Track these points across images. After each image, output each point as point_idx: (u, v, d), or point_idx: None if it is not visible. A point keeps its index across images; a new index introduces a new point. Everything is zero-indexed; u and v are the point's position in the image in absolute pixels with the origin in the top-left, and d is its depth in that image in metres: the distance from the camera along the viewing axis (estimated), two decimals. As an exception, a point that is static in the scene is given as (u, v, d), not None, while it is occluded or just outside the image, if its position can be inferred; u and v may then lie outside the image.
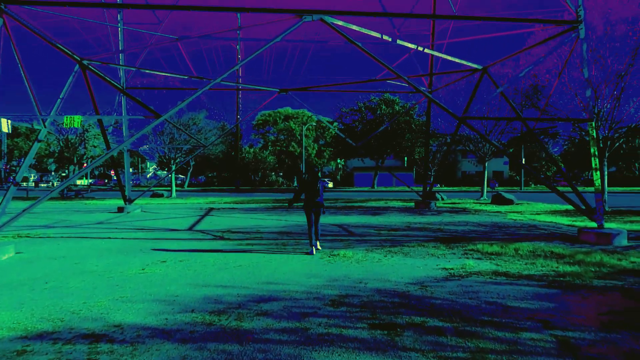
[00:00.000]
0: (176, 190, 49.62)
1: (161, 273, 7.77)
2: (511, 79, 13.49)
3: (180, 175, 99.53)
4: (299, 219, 16.91)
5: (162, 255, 9.46)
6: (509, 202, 24.81)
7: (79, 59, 14.50)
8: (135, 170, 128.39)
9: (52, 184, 51.60)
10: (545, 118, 16.52)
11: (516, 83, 22.14)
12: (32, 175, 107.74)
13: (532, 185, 67.64)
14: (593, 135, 11.31)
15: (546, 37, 14.40)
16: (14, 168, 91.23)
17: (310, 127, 71.21)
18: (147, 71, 15.66)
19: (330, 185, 67.14)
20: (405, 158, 66.62)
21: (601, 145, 18.62)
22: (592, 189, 45.04)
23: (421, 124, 46.61)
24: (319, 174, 10.01)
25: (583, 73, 11.94)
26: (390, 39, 12.53)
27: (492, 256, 9.18)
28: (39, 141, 12.25)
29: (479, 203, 26.04)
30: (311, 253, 9.56)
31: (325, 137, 71.11)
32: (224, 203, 27.27)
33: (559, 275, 7.45)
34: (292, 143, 70.55)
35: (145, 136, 32.85)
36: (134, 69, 15.39)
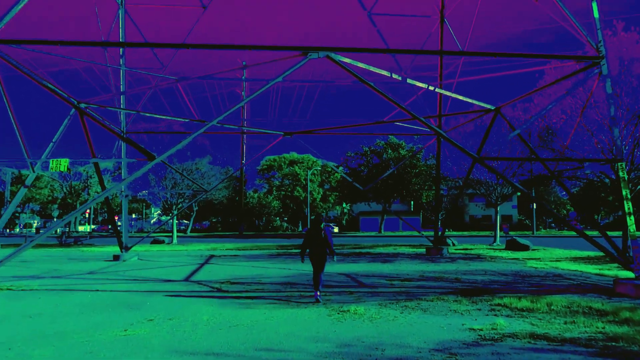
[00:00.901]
0: (178, 236, 48.64)
1: (144, 336, 6.73)
2: (531, 118, 12.73)
3: (184, 221, 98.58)
4: (304, 267, 15.81)
5: (150, 312, 8.42)
6: (525, 247, 23.60)
7: (75, 102, 13.98)
8: (140, 216, 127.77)
9: (55, 231, 51.00)
10: (567, 159, 15.69)
11: (528, 125, 21.48)
12: (36, 221, 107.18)
13: (542, 230, 66.07)
14: (624, 177, 10.41)
15: (563, 75, 13.79)
16: (17, 215, 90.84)
17: (315, 171, 70.78)
18: (147, 114, 15.12)
19: (336, 230, 65.84)
20: (412, 202, 65.61)
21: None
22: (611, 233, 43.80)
23: (428, 168, 45.94)
24: (322, 223, 9.73)
25: (609, 111, 11.20)
26: (400, 78, 11.93)
27: (524, 313, 8.07)
28: (25, 186, 11.45)
29: (493, 249, 24.83)
30: (316, 297, 9.40)
31: (331, 182, 70.50)
32: (226, 250, 26.20)
33: (609, 338, 6.34)
34: (297, 188, 69.92)
35: (147, 181, 32.25)
36: (133, 112, 14.88)
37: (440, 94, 17.67)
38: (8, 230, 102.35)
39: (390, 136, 47.63)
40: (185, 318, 7.93)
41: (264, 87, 10.80)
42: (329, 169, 67.96)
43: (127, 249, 19.50)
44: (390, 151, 46.36)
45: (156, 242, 33.81)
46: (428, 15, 20.03)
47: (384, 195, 47.85)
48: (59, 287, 11.76)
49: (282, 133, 19.38)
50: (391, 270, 14.87)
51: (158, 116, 15.62)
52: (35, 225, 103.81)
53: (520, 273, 14.03)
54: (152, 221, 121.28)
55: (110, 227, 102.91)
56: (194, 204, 55.04)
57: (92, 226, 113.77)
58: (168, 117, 15.79)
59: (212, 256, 21.51)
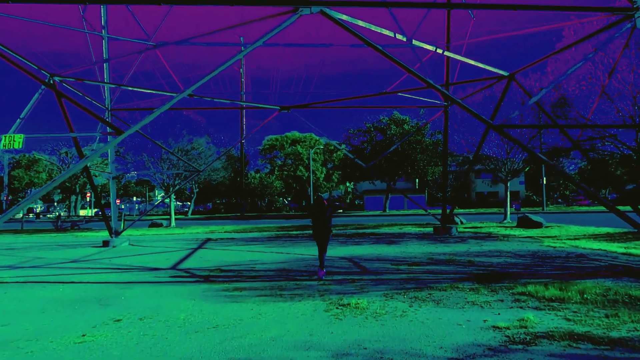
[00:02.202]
0: (178, 219, 47.70)
1: (103, 343, 5.61)
2: (549, 86, 11.37)
3: (188, 203, 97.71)
4: (302, 251, 14.72)
5: (121, 310, 7.32)
6: (538, 225, 22.40)
7: (47, 76, 12.69)
8: (143, 199, 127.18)
9: (59, 215, 50.07)
10: (593, 125, 14.32)
11: (551, 86, 20.03)
12: (39, 206, 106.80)
13: (551, 206, 64.76)
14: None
15: (585, 35, 12.34)
16: (18, 200, 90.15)
17: (318, 150, 69.40)
18: (129, 88, 13.83)
19: (340, 211, 64.71)
20: (417, 180, 64.27)
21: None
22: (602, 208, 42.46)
23: (434, 144, 44.43)
24: (328, 201, 10.11)
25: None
26: (404, 38, 10.56)
27: (554, 304, 6.90)
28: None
29: (504, 227, 23.64)
30: (321, 276, 9.68)
31: (334, 161, 69.17)
32: (224, 232, 25.16)
33: (668, 339, 5.16)
34: (300, 167, 68.67)
35: (142, 163, 31.03)
36: (113, 85, 13.57)
37: (448, 59, 16.22)
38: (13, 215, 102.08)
39: (394, 112, 46.05)
40: (160, 317, 6.82)
41: (253, 44, 9.48)
42: (332, 147, 66.55)
43: (117, 234, 18.44)
44: (394, 127, 44.82)
45: (154, 225, 32.86)
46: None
47: (388, 173, 46.55)
48: (32, 279, 10.70)
49: (278, 107, 18.06)
50: (397, 253, 13.72)
51: (140, 89, 14.35)
52: (38, 209, 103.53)
53: (538, 254, 12.84)
54: (156, 203, 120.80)
55: (121, 208, 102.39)
56: (194, 186, 54.07)
57: (95, 209, 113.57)
58: (150, 91, 14.51)
59: (208, 240, 20.45)
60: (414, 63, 16.62)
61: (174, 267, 12.00)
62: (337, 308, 7.04)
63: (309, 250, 14.83)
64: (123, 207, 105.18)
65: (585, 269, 10.15)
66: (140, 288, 9.18)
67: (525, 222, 22.92)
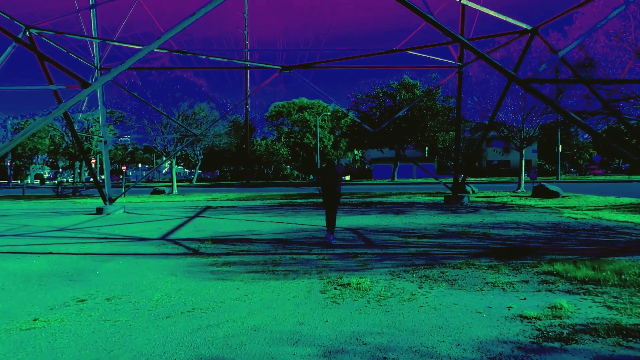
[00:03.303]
0: (182, 186, 47.07)
1: (56, 330, 4.72)
2: (580, 38, 10.06)
3: (198, 171, 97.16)
4: (304, 221, 13.80)
5: (89, 288, 6.44)
6: (554, 194, 21.25)
7: (23, 28, 11.53)
8: (150, 166, 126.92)
9: (59, 181, 49.79)
10: (633, 80, 12.92)
11: (585, 37, 18.51)
12: (46, 172, 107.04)
13: (564, 175, 63.21)
14: None
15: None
16: (26, 166, 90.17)
17: (326, 117, 67.94)
18: (117, 43, 12.65)
19: (347, 178, 63.75)
20: (427, 148, 62.81)
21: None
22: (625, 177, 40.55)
23: (445, 110, 42.78)
24: (333, 162, 10.21)
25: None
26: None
27: (589, 286, 5.89)
28: None
29: (518, 196, 22.52)
30: (329, 237, 9.90)
31: (342, 128, 67.73)
32: (226, 200, 24.33)
33: None
34: (307, 135, 67.45)
35: (141, 128, 30.02)
36: (95, 39, 12.37)
37: (463, 11, 14.68)
38: (19, 181, 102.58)
39: (404, 76, 44.24)
40: (131, 297, 5.93)
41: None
42: (340, 114, 65.01)
43: (111, 201, 17.62)
44: (404, 92, 43.14)
45: (156, 192, 32.15)
46: None
47: (397, 141, 45.20)
48: (9, 249, 9.88)
49: (279, 67, 16.80)
50: (405, 224, 12.73)
51: (131, 45, 13.16)
52: (45, 175, 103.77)
53: (560, 226, 11.79)
54: (163, 171, 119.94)
55: (121, 177, 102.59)
56: (198, 153, 53.23)
57: (102, 176, 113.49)
58: (140, 47, 13.26)
59: (207, 208, 19.61)
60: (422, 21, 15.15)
61: (163, 238, 11.13)
62: (335, 289, 6.10)
63: (311, 220, 13.91)
64: (130, 173, 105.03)
65: (615, 243, 9.10)
66: (119, 261, 8.31)
67: (541, 192, 21.78)
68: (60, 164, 63.09)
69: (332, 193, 9.97)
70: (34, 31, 11.65)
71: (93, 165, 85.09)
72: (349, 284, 6.28)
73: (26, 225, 14.35)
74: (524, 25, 12.43)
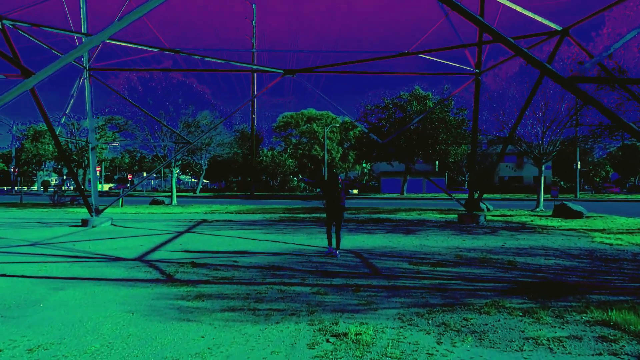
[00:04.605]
0: (184, 196, 45.93)
1: None
2: (622, 38, 8.66)
3: (205, 181, 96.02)
4: (303, 240, 12.39)
5: (19, 328, 5.09)
6: (578, 215, 19.65)
7: (-6, 18, 10.35)
8: (158, 175, 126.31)
9: (56, 189, 48.86)
10: None
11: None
12: (54, 179, 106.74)
13: (582, 193, 61.15)
14: None
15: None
16: (34, 172, 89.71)
17: (334, 129, 66.76)
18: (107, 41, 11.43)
19: (355, 191, 62.26)
20: (437, 162, 61.23)
21: None
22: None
23: (459, 122, 41.25)
24: (339, 176, 9.74)
25: None
26: (436, -34, 7.89)
27: (666, 350, 4.41)
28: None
29: (538, 216, 20.92)
30: (330, 251, 9.80)
31: (350, 140, 66.41)
32: (225, 213, 23.00)
33: None
34: (315, 146, 66.23)
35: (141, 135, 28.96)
36: (76, 34, 11.14)
37: (482, 7, 13.19)
38: (26, 188, 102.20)
39: (415, 86, 42.91)
40: (62, 346, 4.57)
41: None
42: (348, 125, 63.77)
43: (97, 212, 16.35)
44: (415, 104, 41.75)
45: (155, 202, 30.99)
46: None
47: (407, 154, 43.73)
48: (-42, 269, 8.57)
49: (282, 71, 15.53)
50: (416, 247, 11.27)
51: (117, 42, 11.97)
52: (53, 182, 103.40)
53: (595, 254, 10.25)
54: (174, 179, 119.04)
55: (128, 185, 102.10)
56: (203, 162, 52.12)
57: (111, 185, 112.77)
58: (128, 44, 12.13)
59: (202, 222, 18.28)
60: (439, 19, 13.91)
61: (140, 258, 9.77)
62: (327, 341, 4.69)
63: (311, 239, 12.50)
64: (135, 182, 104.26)
65: (671, 280, 7.57)
66: (76, 289, 6.95)
67: (562, 211, 20.19)
68: (65, 170, 62.14)
69: (336, 207, 9.67)
70: (6, 22, 10.50)
71: (97, 173, 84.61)
72: (345, 333, 4.86)
73: (1, 238, 13.08)
74: (553, 25, 11.06)
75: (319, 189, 65.51)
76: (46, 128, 54.15)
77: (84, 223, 15.99)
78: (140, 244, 11.77)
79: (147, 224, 17.36)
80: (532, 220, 18.52)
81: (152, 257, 9.92)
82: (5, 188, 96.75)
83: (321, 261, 9.21)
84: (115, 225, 16.39)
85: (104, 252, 10.58)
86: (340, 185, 9.68)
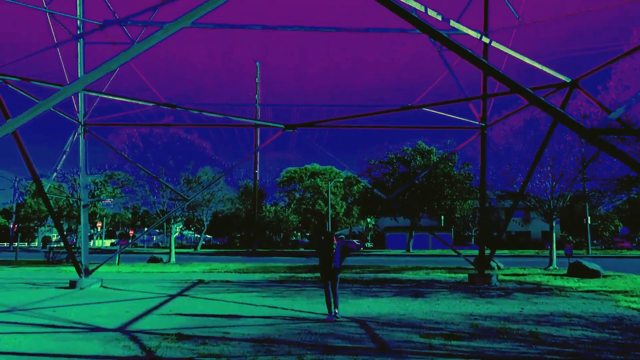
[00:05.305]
0: (184, 253, 44.86)
1: None
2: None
3: (208, 236, 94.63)
4: (302, 306, 11.44)
5: None
6: (595, 274, 18.57)
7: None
8: (161, 230, 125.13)
9: (51, 247, 48.01)
10: None
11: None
12: (55, 235, 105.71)
13: (594, 249, 59.55)
14: None
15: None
16: (35, 228, 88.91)
17: (338, 183, 66.41)
18: (91, 93, 11.18)
19: (354, 252, 60.85)
20: (442, 217, 60.27)
21: None
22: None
23: (464, 177, 40.75)
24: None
25: None
26: (439, 17, 7.57)
27: None
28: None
29: (553, 275, 19.82)
30: (330, 319, 9.15)
31: (354, 195, 65.86)
32: (224, 272, 22.01)
33: None
34: (319, 201, 65.64)
35: (136, 191, 28.54)
36: (59, 87, 10.84)
37: (485, 48, 12.78)
38: (27, 244, 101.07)
39: (418, 141, 42.83)
40: None
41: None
42: (352, 180, 63.48)
43: (87, 272, 15.48)
44: (419, 158, 41.48)
45: (153, 260, 30.00)
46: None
47: (412, 209, 42.97)
48: None
49: (282, 126, 15.17)
50: (426, 313, 10.30)
51: (114, 97, 11.69)
52: (54, 238, 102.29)
53: (625, 322, 9.26)
54: (174, 235, 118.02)
55: (130, 241, 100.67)
56: (204, 218, 51.41)
57: (112, 240, 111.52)
58: (122, 98, 11.83)
59: (199, 282, 17.32)
60: (441, 70, 13.66)
61: (122, 328, 8.86)
62: None
63: (312, 305, 11.54)
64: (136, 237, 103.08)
65: None
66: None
67: (578, 270, 19.11)
68: (65, 226, 61.49)
69: (329, 268, 9.30)
70: (-3, 79, 10.23)
71: (99, 229, 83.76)
72: None
73: (-23, 303, 12.20)
74: (562, 77, 10.67)
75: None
76: (47, 184, 54.06)
77: (72, 285, 15.10)
78: (126, 310, 10.85)
79: (140, 285, 16.42)
80: (547, 281, 17.46)
81: (135, 326, 9.01)
82: (5, 244, 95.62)
83: (322, 332, 8.28)
84: (105, 287, 15.47)
85: (85, 320, 9.68)
86: (334, 247, 9.37)
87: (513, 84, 6.00)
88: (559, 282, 17.04)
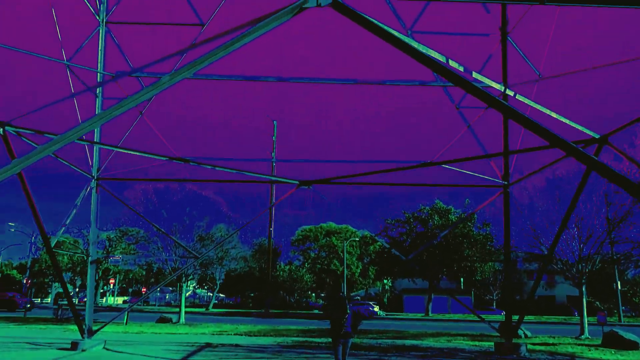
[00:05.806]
0: (196, 313, 43.63)
1: None
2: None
3: (221, 295, 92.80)
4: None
5: None
6: (633, 345, 17.11)
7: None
8: (174, 288, 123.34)
9: (60, 305, 47.42)
10: None
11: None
12: (70, 291, 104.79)
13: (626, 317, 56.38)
14: None
15: None
16: (49, 283, 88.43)
17: (354, 243, 65.24)
18: (106, 147, 11.08)
19: (377, 309, 58.74)
20: (462, 279, 58.22)
21: None
22: None
23: (484, 237, 39.56)
24: (345, 298, 9.35)
25: None
26: (462, 68, 7.29)
27: None
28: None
29: (586, 345, 18.35)
30: None
31: (370, 255, 64.43)
32: (234, 335, 20.99)
33: None
34: (334, 260, 64.26)
35: (148, 247, 28.17)
36: (84, 142, 10.77)
37: (505, 98, 12.44)
38: (40, 300, 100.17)
39: (436, 200, 42.13)
40: None
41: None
42: (368, 239, 62.31)
43: (90, 333, 14.78)
44: (437, 218, 40.60)
45: (162, 320, 29.00)
46: (486, 34, 15.68)
47: (430, 270, 41.52)
48: None
49: (297, 182, 14.85)
50: (452, 389, 9.31)
51: (119, 149, 11.57)
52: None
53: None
54: (187, 294, 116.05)
55: (140, 298, 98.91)
56: (217, 276, 50.44)
57: (125, 298, 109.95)
58: (143, 153, 11.72)
59: (206, 346, 16.39)
60: (459, 128, 13.48)
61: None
62: None
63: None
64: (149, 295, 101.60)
65: None
66: None
67: (613, 340, 17.69)
68: (78, 282, 61.11)
69: (339, 332, 8.89)
70: (9, 129, 10.21)
71: (111, 286, 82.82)
72: None
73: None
74: (591, 133, 10.23)
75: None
76: (64, 239, 54.18)
77: (73, 346, 14.35)
78: (125, 377, 10.07)
79: (145, 347, 15.58)
80: (581, 352, 16.10)
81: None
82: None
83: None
84: (107, 350, 14.68)
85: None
86: (347, 311, 9.01)
87: (551, 136, 5.55)
88: (594, 354, 15.68)
